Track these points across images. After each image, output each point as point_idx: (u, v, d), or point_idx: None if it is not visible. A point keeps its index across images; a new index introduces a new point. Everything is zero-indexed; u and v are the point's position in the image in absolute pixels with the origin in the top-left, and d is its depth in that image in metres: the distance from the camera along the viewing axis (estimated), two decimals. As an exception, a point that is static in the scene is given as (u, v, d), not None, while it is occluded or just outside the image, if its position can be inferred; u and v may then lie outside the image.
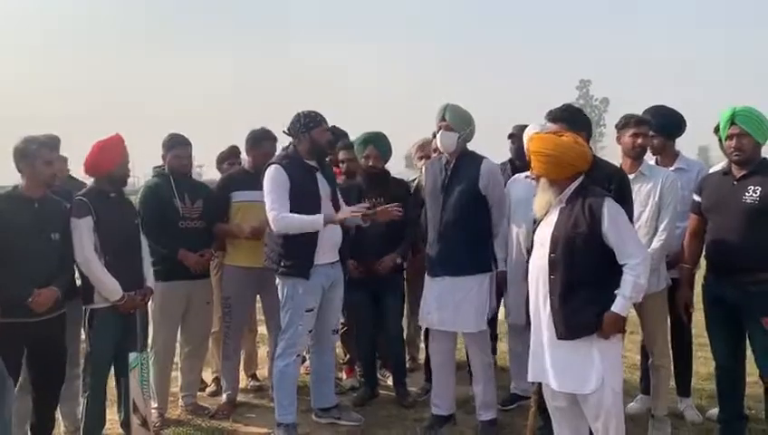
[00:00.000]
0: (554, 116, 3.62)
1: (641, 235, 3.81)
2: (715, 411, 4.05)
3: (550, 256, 3.08)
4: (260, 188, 3.98)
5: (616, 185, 3.51)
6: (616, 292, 3.00)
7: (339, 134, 4.93)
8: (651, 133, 4.10)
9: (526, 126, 4.75)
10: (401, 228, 4.48)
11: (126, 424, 3.91)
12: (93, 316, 3.73)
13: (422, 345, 5.20)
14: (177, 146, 4.39)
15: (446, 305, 3.98)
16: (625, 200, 3.41)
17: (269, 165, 3.99)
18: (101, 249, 3.68)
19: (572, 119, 3.59)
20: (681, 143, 4.40)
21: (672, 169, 4.16)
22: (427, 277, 4.15)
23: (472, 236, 3.99)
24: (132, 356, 3.80)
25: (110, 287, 3.67)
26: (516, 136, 4.81)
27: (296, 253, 3.89)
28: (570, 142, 3.15)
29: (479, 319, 4.00)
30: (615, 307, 2.99)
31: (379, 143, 4.61)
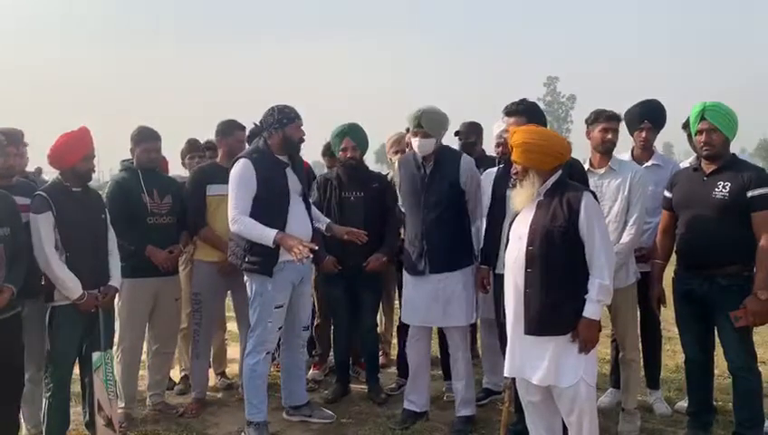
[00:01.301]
0: (510, 110, 3.67)
1: (611, 229, 3.81)
2: (683, 404, 4.12)
3: (527, 249, 3.08)
4: None
5: (578, 174, 3.55)
6: (585, 296, 3.02)
7: None
8: (648, 126, 4.20)
9: (475, 123, 4.94)
10: (380, 224, 4.46)
11: (90, 425, 3.82)
12: (54, 314, 3.64)
13: (394, 341, 5.20)
14: (147, 140, 4.30)
15: (436, 303, 3.99)
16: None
17: (238, 159, 3.93)
18: (62, 246, 3.60)
19: (530, 112, 3.65)
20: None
21: (648, 164, 4.22)
22: (407, 276, 4.14)
23: (456, 232, 4.01)
24: (96, 355, 3.74)
25: (69, 285, 3.59)
26: (463, 133, 4.90)
27: (261, 249, 3.81)
28: (552, 132, 3.21)
29: (468, 313, 4.04)
30: (586, 312, 3.02)
31: (355, 135, 4.55)
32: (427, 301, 4.01)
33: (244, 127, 4.43)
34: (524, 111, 3.64)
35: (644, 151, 4.31)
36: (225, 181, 3.99)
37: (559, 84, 74.66)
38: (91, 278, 3.69)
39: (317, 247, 3.87)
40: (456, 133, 4.96)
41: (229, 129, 4.52)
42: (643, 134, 4.25)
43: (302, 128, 4.01)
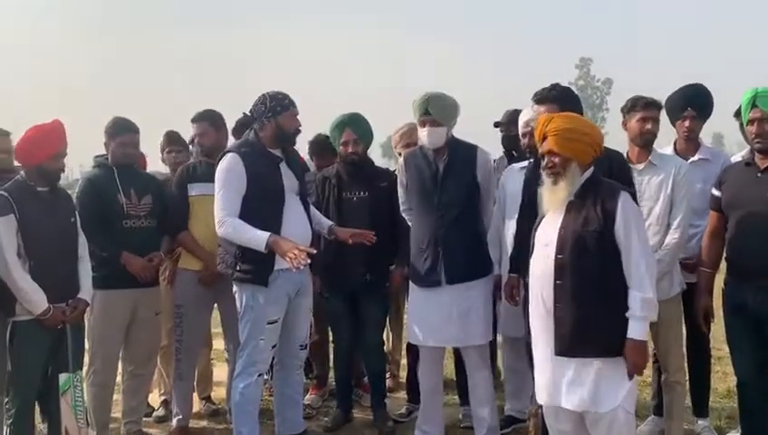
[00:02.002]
0: (541, 97, 3.65)
1: (651, 233, 3.83)
2: (736, 434, 4.09)
3: (557, 257, 3.06)
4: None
5: (617, 168, 3.53)
6: (627, 314, 3.00)
7: None
8: (692, 115, 4.17)
9: (517, 111, 4.75)
10: (389, 229, 4.43)
11: None
12: (16, 331, 3.65)
13: (404, 361, 5.17)
14: (122, 133, 4.31)
15: (452, 318, 3.98)
16: (630, 185, 3.46)
17: (225, 153, 3.93)
18: (25, 253, 3.62)
19: (562, 98, 3.62)
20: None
21: (695, 159, 4.19)
22: (416, 289, 4.13)
23: (474, 237, 4.02)
24: (63, 377, 3.74)
25: (32, 298, 3.60)
26: (505, 123, 4.82)
27: (254, 255, 3.80)
28: (590, 121, 3.23)
29: (487, 329, 4.05)
30: (631, 332, 2.99)
31: (357, 126, 4.52)
32: (441, 317, 3.99)
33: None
34: (557, 98, 3.61)
35: (689, 143, 4.28)
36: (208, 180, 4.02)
37: (593, 67, 74.37)
38: (58, 290, 3.70)
39: (315, 252, 3.84)
40: (496, 124, 4.92)
41: (221, 120, 4.60)
42: (686, 123, 4.20)
43: (299, 117, 4.00)
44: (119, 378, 4.50)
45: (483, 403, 4.11)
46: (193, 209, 4.39)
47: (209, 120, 4.55)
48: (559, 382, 3.10)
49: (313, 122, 5.01)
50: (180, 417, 4.54)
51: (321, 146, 5.05)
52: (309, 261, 3.72)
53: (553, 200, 3.13)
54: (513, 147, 4.69)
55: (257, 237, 3.72)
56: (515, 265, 3.81)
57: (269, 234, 3.71)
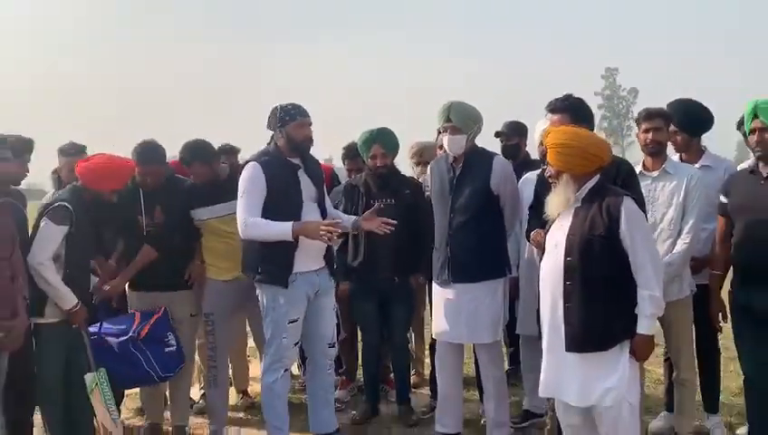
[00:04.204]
0: (554, 107, 3.69)
1: (664, 237, 3.90)
2: (744, 431, 4.08)
3: (566, 260, 3.11)
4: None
5: (624, 174, 3.59)
6: (636, 311, 3.07)
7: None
8: (673, 129, 4.15)
9: (519, 123, 4.92)
10: (415, 235, 4.51)
11: None
12: (39, 332, 3.77)
13: (428, 360, 5.25)
14: (147, 164, 4.24)
15: (459, 316, 4.04)
16: (634, 191, 3.48)
17: (247, 162, 4.00)
18: (64, 261, 3.78)
19: (575, 109, 3.66)
20: (719, 138, 4.42)
21: (697, 166, 4.19)
22: (435, 285, 4.20)
23: (484, 240, 4.04)
24: (89, 377, 3.84)
25: (64, 294, 3.73)
26: (505, 133, 4.90)
27: (274, 258, 3.88)
28: (590, 133, 3.27)
29: (494, 329, 4.07)
30: (640, 328, 3.06)
31: (384, 140, 4.59)
32: (451, 314, 4.07)
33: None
34: (569, 108, 3.66)
35: (690, 154, 4.29)
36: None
37: (619, 77, 73.46)
38: (83, 296, 3.85)
39: (340, 222, 3.95)
40: (497, 134, 4.97)
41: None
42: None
43: (311, 127, 4.03)
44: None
45: (490, 398, 4.16)
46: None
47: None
48: (564, 378, 3.16)
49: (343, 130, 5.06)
50: (216, 426, 4.51)
51: (353, 152, 5.11)
52: (339, 231, 3.86)
53: (552, 205, 3.23)
54: (512, 155, 4.76)
55: (282, 228, 3.78)
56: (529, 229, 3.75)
57: (291, 223, 3.78)
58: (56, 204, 3.78)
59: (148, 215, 4.27)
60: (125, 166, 4.03)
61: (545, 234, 3.36)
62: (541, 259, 3.37)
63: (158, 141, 4.33)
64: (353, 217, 4.25)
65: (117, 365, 4.04)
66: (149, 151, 4.26)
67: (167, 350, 4.18)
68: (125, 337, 4.11)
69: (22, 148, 4.08)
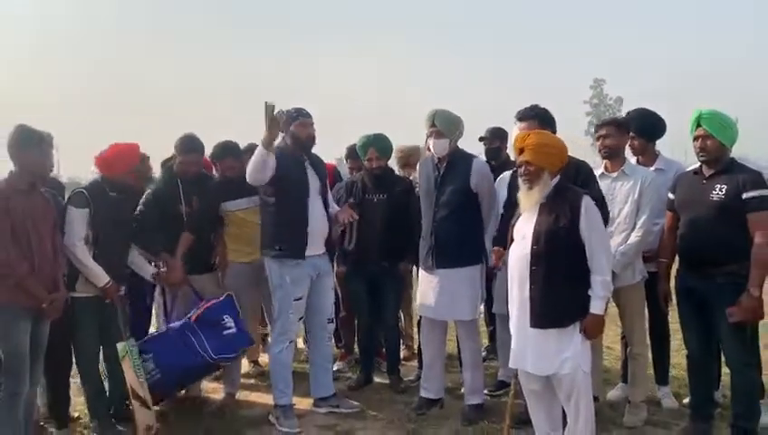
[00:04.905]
0: (523, 115, 4.14)
1: (620, 230, 4.27)
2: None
3: (532, 248, 3.43)
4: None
5: (584, 175, 4.01)
6: (589, 292, 3.41)
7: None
8: (632, 135, 4.56)
9: (500, 128, 5.37)
10: (404, 226, 4.91)
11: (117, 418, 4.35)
12: (74, 305, 4.05)
13: (417, 336, 5.68)
14: (187, 153, 4.63)
15: (443, 296, 4.43)
16: (592, 189, 3.87)
17: None
18: (92, 241, 4.08)
19: (542, 117, 4.11)
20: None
21: (652, 169, 4.57)
22: (420, 270, 4.64)
23: (464, 231, 4.42)
24: (120, 346, 4.13)
25: (97, 273, 4.05)
26: (487, 138, 5.35)
27: (289, 234, 4.30)
28: (558, 138, 3.65)
29: (472, 308, 4.48)
30: (593, 308, 3.40)
31: (378, 145, 5.03)
32: (435, 294, 4.46)
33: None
34: (536, 116, 4.12)
35: (646, 157, 4.68)
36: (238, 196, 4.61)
37: (605, 86, 73.91)
38: (112, 274, 4.14)
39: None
40: (481, 139, 5.41)
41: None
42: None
43: (314, 126, 4.46)
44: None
45: (467, 368, 4.59)
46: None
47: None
48: (529, 351, 3.50)
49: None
50: (230, 387, 4.90)
51: (354, 152, 5.50)
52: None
53: (528, 202, 3.53)
54: (494, 157, 5.26)
55: (259, 149, 4.15)
56: (498, 242, 4.16)
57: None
58: (76, 190, 4.14)
59: (188, 204, 4.63)
60: (130, 148, 4.30)
61: (512, 227, 3.70)
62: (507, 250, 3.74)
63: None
64: (336, 209, 4.71)
65: (174, 354, 4.30)
66: (190, 142, 4.64)
67: (225, 332, 4.38)
68: (180, 322, 4.43)
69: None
